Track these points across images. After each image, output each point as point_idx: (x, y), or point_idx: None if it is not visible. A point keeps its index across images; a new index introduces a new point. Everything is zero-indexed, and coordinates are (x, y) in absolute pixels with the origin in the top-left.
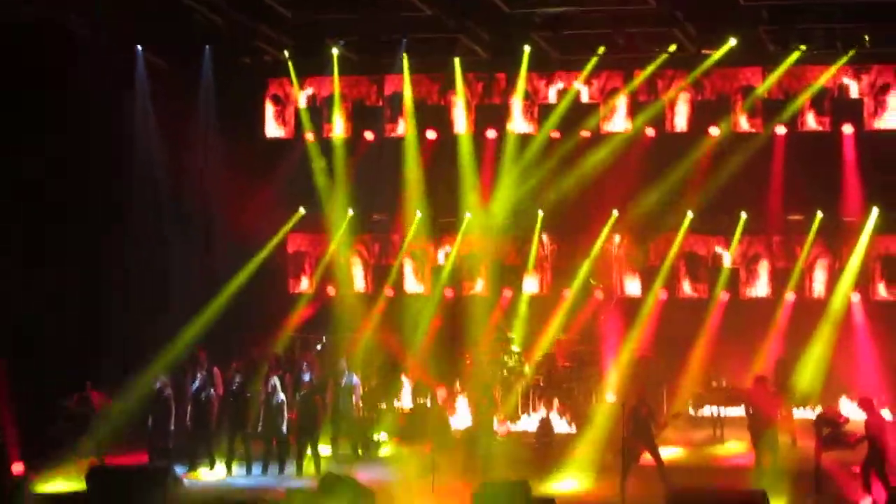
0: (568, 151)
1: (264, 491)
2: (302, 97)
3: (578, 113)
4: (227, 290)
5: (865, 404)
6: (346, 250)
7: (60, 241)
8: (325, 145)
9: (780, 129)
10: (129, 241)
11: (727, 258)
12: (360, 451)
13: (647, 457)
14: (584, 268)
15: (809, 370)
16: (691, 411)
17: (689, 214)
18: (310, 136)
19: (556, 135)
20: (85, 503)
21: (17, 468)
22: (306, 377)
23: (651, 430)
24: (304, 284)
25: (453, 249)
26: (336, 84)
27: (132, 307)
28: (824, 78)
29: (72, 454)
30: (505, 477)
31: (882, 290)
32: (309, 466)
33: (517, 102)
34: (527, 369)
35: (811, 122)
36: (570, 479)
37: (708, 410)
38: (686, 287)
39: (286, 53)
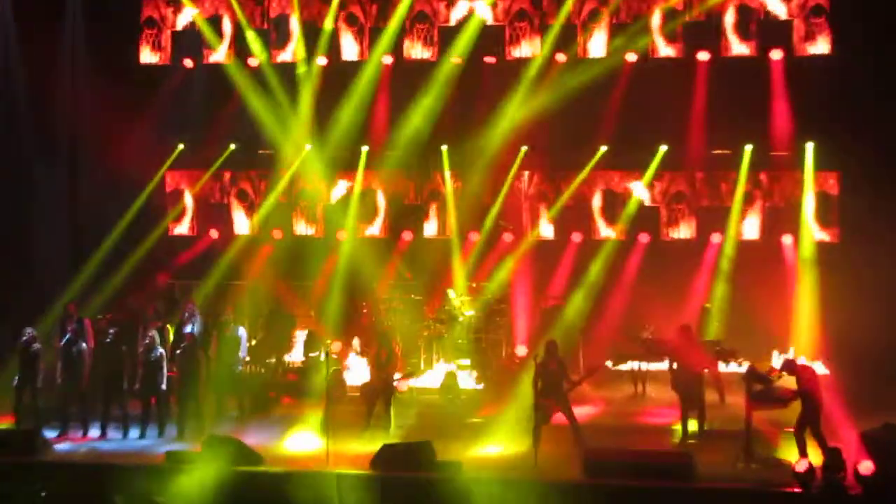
0: (472, 80)
1: (142, 455)
2: (180, 20)
3: (483, 37)
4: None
5: (787, 366)
6: (230, 188)
7: None
8: (206, 72)
9: (703, 55)
10: None
11: (646, 196)
12: (246, 411)
13: (560, 416)
14: (492, 208)
15: (738, 319)
16: (609, 365)
17: (603, 148)
18: (188, 63)
19: (458, 61)
20: None
21: None
22: (188, 329)
23: (563, 387)
24: (185, 226)
25: (348, 187)
26: (217, 6)
27: None
28: None
29: None
30: (406, 438)
31: (817, 231)
32: (191, 427)
33: (415, 25)
34: (429, 319)
35: (736, 46)
36: (478, 440)
37: (627, 364)
38: (602, 228)
39: None
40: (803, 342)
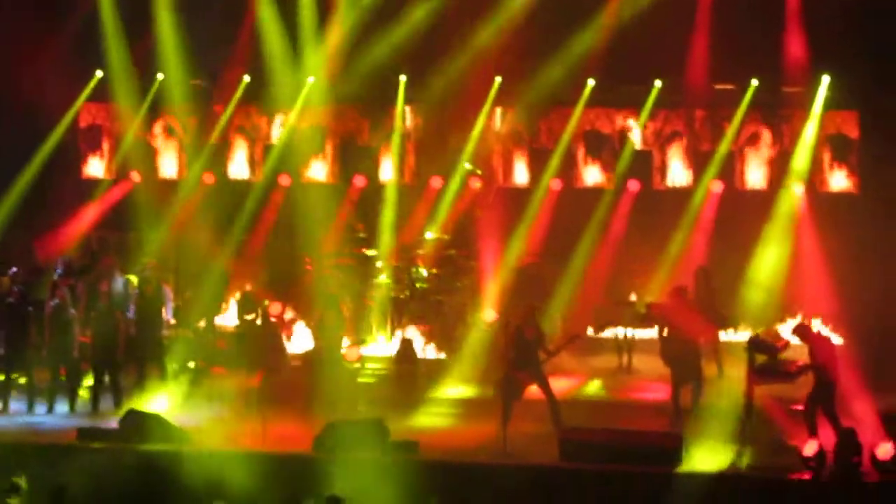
0: None
1: (50, 433)
2: None
3: None
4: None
5: (801, 331)
6: (155, 125)
7: None
8: None
9: None
10: None
11: (637, 137)
12: (170, 382)
13: (534, 390)
14: (460, 150)
15: (740, 280)
16: (590, 333)
17: (590, 83)
18: None
19: None
20: None
21: None
22: (104, 288)
23: (539, 358)
24: (101, 168)
25: (290, 124)
26: None
27: None
28: None
29: None
30: (355, 414)
31: (833, 180)
32: (106, 401)
33: None
34: (383, 278)
35: None
36: (438, 417)
37: (612, 332)
38: (586, 174)
39: None
40: (814, 307)
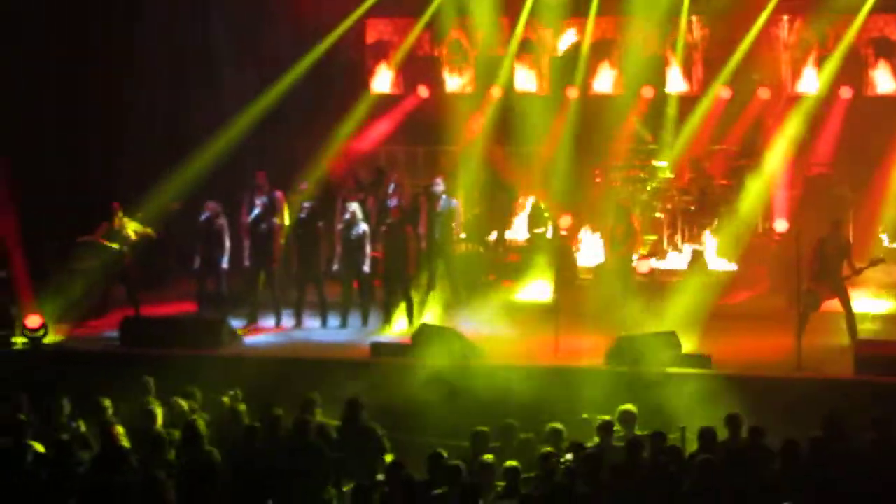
0: None
1: (343, 347)
2: None
3: None
4: (283, 82)
5: None
6: (440, 39)
7: None
8: None
9: None
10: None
11: None
12: (462, 296)
13: (830, 304)
14: (747, 60)
15: None
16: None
17: None
18: None
19: None
20: (119, 364)
21: (33, 321)
22: (393, 202)
23: (841, 272)
24: (388, 83)
25: (578, 36)
26: None
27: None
28: None
29: (96, 302)
30: (647, 328)
31: None
32: (398, 316)
33: None
34: (672, 189)
35: None
36: (729, 330)
37: None
38: (878, 81)
39: None
40: None
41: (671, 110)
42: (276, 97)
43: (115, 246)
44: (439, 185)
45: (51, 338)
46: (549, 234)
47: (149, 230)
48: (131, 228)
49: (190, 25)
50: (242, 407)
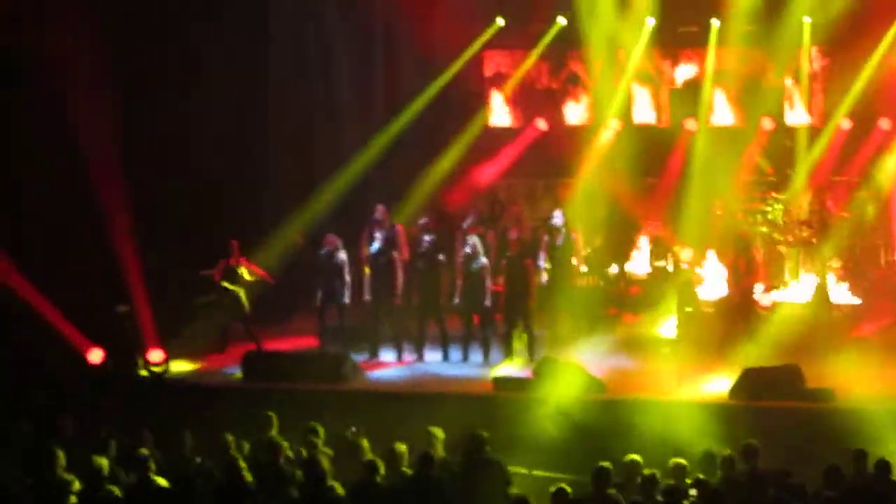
0: None
1: (465, 382)
2: None
3: None
4: (404, 115)
5: None
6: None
7: None
8: None
9: None
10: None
11: None
12: (583, 329)
13: None
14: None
15: None
16: None
17: None
18: None
19: None
20: (241, 398)
21: (156, 355)
22: (513, 236)
23: None
24: (507, 116)
25: (697, 67)
26: None
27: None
28: None
29: (216, 337)
30: (771, 361)
31: None
32: (520, 350)
33: None
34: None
35: None
36: (853, 362)
37: None
38: None
39: None
40: None
41: (791, 142)
42: (397, 131)
43: (233, 288)
44: (559, 218)
45: (173, 372)
46: (670, 267)
47: (265, 274)
48: (246, 271)
49: (314, 60)
50: (364, 441)
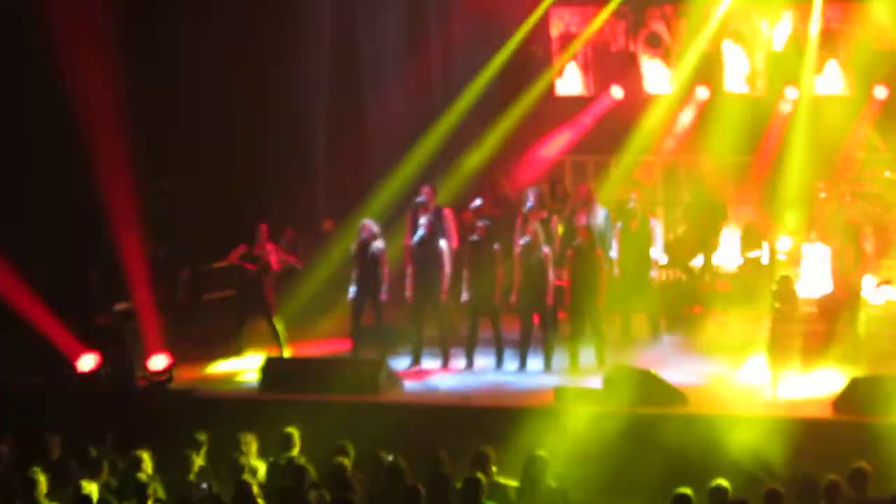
0: None
1: (523, 393)
2: None
3: None
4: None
5: None
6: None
7: None
8: None
9: None
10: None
11: None
12: (662, 331)
13: None
14: None
15: None
16: None
17: None
18: None
19: None
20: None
21: (159, 361)
22: (581, 222)
23: None
24: (577, 84)
25: (799, 26)
26: None
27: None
28: None
29: (231, 338)
30: (882, 369)
31: None
32: (587, 355)
33: None
34: None
35: None
36: None
37: None
38: None
39: None
40: None
41: None
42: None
43: (252, 268)
44: (635, 202)
45: (178, 381)
46: (765, 259)
47: (294, 258)
48: (274, 258)
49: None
50: (404, 463)
